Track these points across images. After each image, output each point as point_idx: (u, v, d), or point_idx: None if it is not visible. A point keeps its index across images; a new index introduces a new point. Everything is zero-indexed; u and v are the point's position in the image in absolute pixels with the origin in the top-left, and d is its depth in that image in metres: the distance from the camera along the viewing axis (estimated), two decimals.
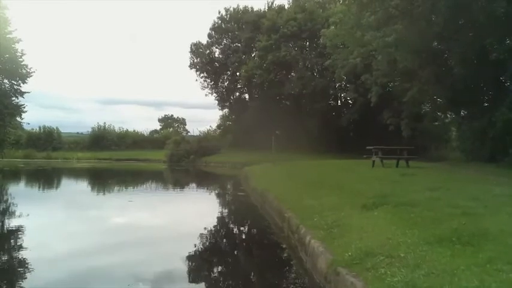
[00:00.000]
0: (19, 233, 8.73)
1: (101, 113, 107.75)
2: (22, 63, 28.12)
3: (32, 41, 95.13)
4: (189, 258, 6.82)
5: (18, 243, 7.92)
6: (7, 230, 9.30)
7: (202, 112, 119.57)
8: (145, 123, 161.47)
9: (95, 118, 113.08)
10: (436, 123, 26.64)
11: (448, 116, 24.63)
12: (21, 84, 28.55)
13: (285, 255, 7.15)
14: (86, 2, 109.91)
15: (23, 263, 6.43)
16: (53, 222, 10.34)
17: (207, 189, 21.02)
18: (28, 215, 10.87)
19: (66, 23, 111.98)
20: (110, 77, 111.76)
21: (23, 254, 6.93)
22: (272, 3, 43.82)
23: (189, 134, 56.45)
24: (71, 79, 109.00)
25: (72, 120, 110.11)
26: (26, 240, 8.07)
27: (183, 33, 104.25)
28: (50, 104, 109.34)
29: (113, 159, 42.35)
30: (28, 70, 28.41)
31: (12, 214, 11.47)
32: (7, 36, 27.30)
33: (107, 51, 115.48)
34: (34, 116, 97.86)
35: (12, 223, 10.07)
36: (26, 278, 5.77)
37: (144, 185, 22.40)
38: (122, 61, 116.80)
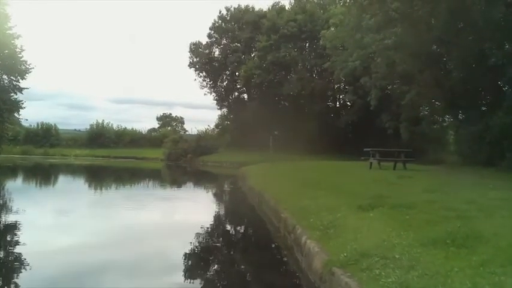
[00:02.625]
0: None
1: (114, 112, 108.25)
2: (21, 59, 28.07)
3: (49, 42, 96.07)
4: (185, 257, 6.83)
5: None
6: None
7: (207, 112, 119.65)
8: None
9: (111, 117, 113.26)
10: (435, 126, 26.71)
11: (446, 119, 24.71)
12: (20, 80, 28.51)
13: (281, 255, 7.17)
14: (91, 2, 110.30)
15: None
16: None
17: (205, 188, 21.03)
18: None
19: (75, 22, 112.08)
20: (121, 76, 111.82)
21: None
22: (275, 4, 43.78)
23: (187, 133, 56.47)
24: (85, 79, 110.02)
25: (88, 118, 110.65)
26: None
27: (185, 33, 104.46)
28: (70, 103, 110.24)
29: (111, 157, 42.34)
30: (27, 66, 28.37)
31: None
32: (7, 32, 27.25)
33: (110, 53, 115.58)
34: (57, 114, 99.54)
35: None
36: None
37: (142, 184, 22.44)
38: (125, 61, 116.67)
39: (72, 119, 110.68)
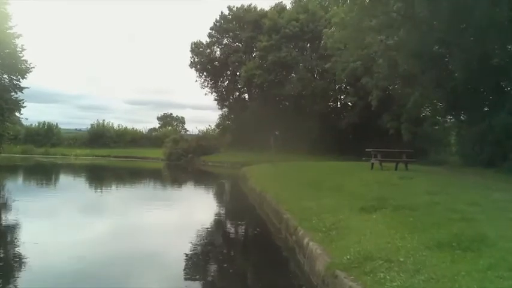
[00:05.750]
0: None
1: (127, 113, 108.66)
2: (22, 59, 28.02)
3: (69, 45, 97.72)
4: (185, 259, 6.75)
5: None
6: None
7: (212, 113, 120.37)
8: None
9: (124, 117, 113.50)
10: (436, 127, 26.66)
11: (448, 120, 24.65)
12: (21, 80, 28.45)
13: (283, 256, 7.10)
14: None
15: None
16: None
17: (205, 189, 20.95)
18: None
19: (80, 22, 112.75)
20: (135, 78, 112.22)
21: None
22: (277, 5, 43.53)
23: (187, 132, 56.44)
24: (102, 81, 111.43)
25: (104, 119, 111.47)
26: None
27: (187, 33, 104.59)
28: (88, 104, 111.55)
29: (111, 157, 42.26)
30: (28, 66, 28.30)
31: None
32: (7, 31, 27.20)
33: (121, 56, 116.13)
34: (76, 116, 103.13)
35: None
36: None
37: (143, 184, 22.39)
38: (136, 63, 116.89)
39: (88, 119, 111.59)
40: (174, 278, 5.87)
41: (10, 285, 5.29)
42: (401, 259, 4.25)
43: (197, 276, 6.05)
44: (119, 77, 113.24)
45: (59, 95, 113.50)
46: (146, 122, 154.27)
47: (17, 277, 5.63)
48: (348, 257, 4.68)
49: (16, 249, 7.11)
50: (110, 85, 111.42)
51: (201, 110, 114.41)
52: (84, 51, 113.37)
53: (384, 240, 5.06)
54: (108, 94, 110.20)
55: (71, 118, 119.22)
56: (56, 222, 9.80)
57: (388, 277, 3.86)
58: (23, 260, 6.31)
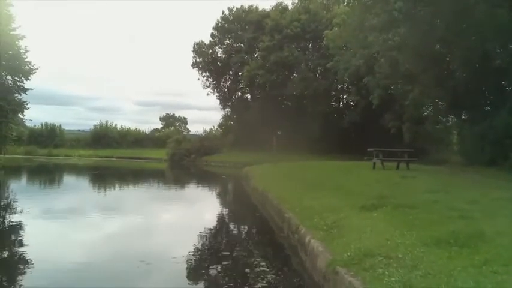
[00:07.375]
0: None
1: (137, 114, 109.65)
2: (25, 60, 28.17)
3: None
4: (188, 257, 6.86)
5: None
6: None
7: (217, 114, 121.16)
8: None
9: (134, 118, 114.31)
10: (438, 126, 26.67)
11: (450, 119, 24.68)
12: (24, 81, 28.59)
13: (285, 254, 7.21)
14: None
15: None
16: None
17: (209, 188, 21.07)
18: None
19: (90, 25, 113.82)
20: (142, 80, 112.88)
21: None
22: (278, 4, 43.66)
23: (190, 133, 56.66)
24: (114, 83, 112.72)
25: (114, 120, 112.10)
26: None
27: (189, 34, 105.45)
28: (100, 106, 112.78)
29: (114, 157, 42.43)
30: (31, 67, 28.44)
31: None
32: (11, 33, 27.33)
33: (128, 57, 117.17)
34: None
35: None
36: None
37: (147, 184, 22.52)
38: (137, 65, 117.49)
39: (99, 121, 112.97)
40: (179, 273, 6.01)
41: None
42: (400, 255, 4.36)
43: (200, 273, 6.17)
44: (130, 79, 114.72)
45: (71, 96, 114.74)
46: (155, 123, 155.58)
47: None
48: (348, 253, 4.79)
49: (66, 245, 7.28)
50: (121, 87, 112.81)
51: (206, 111, 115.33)
52: (96, 54, 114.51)
53: (383, 237, 5.16)
54: (119, 96, 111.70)
55: (83, 120, 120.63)
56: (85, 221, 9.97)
57: (386, 273, 3.97)
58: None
